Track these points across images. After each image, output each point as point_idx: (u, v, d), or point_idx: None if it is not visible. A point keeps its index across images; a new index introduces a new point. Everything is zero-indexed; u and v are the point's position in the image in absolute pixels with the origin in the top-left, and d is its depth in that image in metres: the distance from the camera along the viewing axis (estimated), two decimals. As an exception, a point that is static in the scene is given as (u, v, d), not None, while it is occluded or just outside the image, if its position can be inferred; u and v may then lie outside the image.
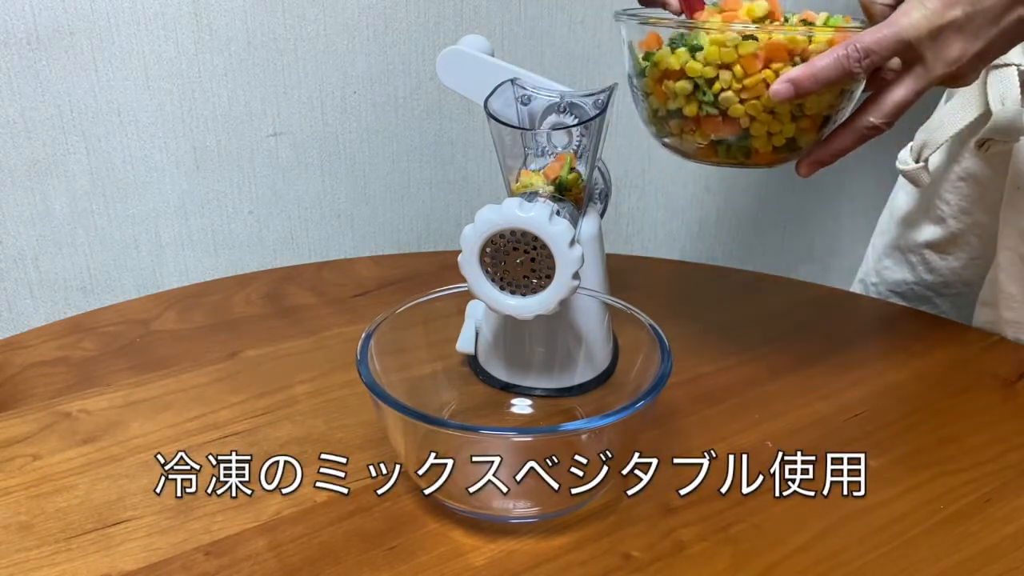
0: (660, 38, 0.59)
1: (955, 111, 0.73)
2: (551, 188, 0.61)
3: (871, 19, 0.58)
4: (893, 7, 0.56)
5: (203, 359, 0.71)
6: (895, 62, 0.56)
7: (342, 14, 0.97)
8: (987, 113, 0.71)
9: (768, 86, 0.56)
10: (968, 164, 0.79)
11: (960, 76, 0.55)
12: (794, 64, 0.56)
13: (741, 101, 0.57)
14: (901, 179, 0.89)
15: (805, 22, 0.60)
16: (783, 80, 0.55)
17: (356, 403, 0.65)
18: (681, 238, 1.31)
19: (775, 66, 0.56)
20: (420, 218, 1.11)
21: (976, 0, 0.53)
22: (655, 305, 0.65)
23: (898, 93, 0.55)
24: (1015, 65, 0.69)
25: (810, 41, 0.56)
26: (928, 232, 0.84)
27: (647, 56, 0.60)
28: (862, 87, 0.60)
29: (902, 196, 0.88)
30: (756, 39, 0.56)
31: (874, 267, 0.91)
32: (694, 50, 0.57)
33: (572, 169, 0.61)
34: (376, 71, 1.01)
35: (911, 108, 0.57)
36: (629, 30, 0.61)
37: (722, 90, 0.57)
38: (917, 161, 0.76)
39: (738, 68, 0.56)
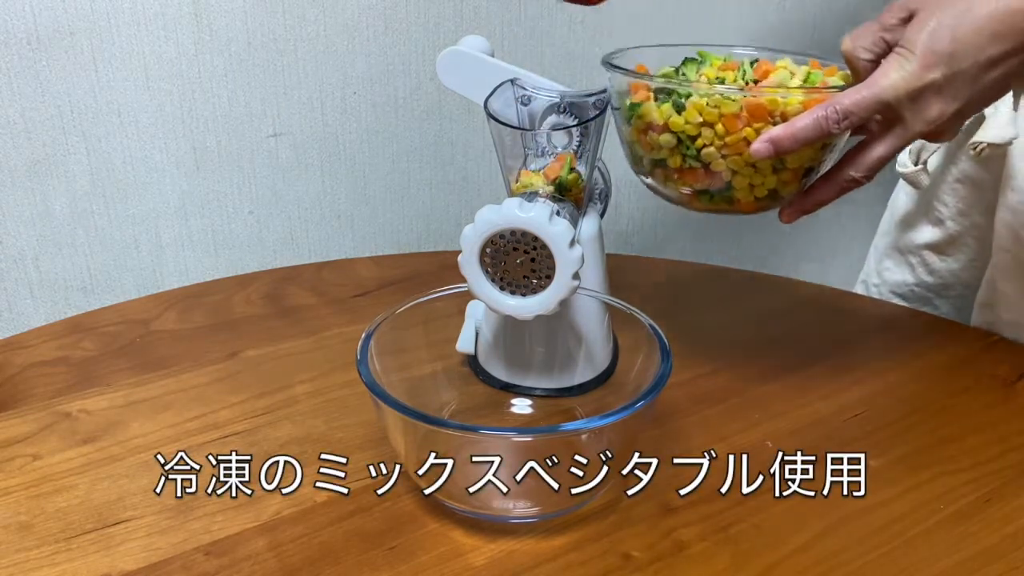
0: (647, 88, 0.60)
1: None
2: (551, 188, 0.61)
3: (854, 73, 0.59)
4: (876, 62, 0.57)
5: (203, 359, 0.71)
6: (876, 116, 0.57)
7: (342, 14, 0.97)
8: (980, 117, 0.71)
9: (748, 143, 0.57)
10: (964, 167, 0.79)
11: (940, 133, 0.56)
12: (774, 123, 0.57)
13: (723, 156, 0.59)
14: (902, 180, 0.89)
15: (781, 84, 0.61)
16: (763, 139, 0.56)
17: (356, 403, 0.65)
18: (681, 238, 1.31)
19: (756, 125, 0.57)
20: (420, 218, 1.11)
21: (954, 62, 0.53)
22: (655, 305, 0.65)
23: (878, 150, 0.57)
24: None
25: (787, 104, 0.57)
26: (927, 234, 0.84)
27: (632, 107, 0.61)
28: (845, 140, 0.61)
29: (902, 197, 0.88)
30: (734, 100, 0.57)
31: (875, 268, 0.91)
32: (678, 105, 0.58)
33: (572, 169, 0.61)
34: (376, 71, 1.01)
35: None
36: (615, 78, 0.62)
37: (704, 146, 0.59)
38: (916, 163, 0.76)
39: (719, 127, 0.58)
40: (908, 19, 0.55)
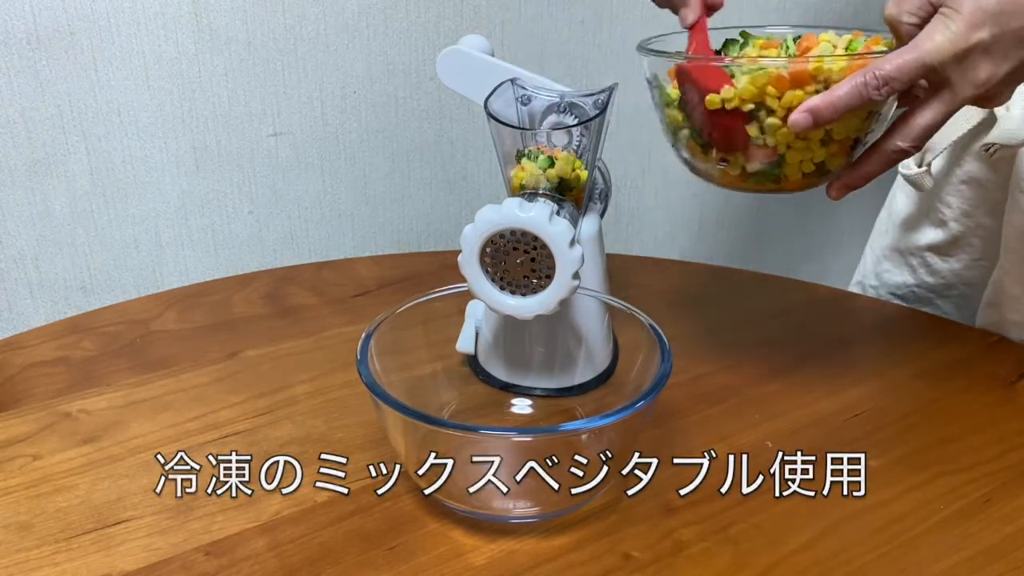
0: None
1: (958, 116, 0.72)
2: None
3: (898, 38, 0.57)
4: (920, 26, 0.54)
5: (203, 359, 0.71)
6: (922, 81, 0.54)
7: (342, 14, 0.97)
8: (990, 118, 0.71)
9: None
10: (970, 167, 0.79)
11: (990, 97, 0.54)
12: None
13: (774, 131, 0.57)
14: (899, 180, 0.89)
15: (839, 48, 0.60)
16: (801, 110, 0.54)
17: (356, 403, 0.65)
18: (681, 238, 1.31)
19: (807, 88, 0.55)
20: (420, 218, 1.11)
21: (1003, 21, 0.51)
22: (655, 305, 0.66)
23: (925, 116, 0.54)
24: None
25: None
26: (930, 235, 0.84)
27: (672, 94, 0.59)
28: (892, 109, 0.59)
29: (901, 198, 0.88)
30: (778, 70, 0.55)
31: (873, 270, 0.91)
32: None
33: (572, 169, 0.61)
34: (376, 71, 1.01)
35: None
36: (653, 62, 0.61)
37: (753, 120, 0.57)
38: (920, 165, 0.76)
39: (770, 99, 0.56)
40: None
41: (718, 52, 0.64)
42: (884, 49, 0.58)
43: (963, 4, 0.51)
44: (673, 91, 0.61)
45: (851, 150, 0.59)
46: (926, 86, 0.55)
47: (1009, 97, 0.56)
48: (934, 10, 0.54)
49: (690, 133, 0.61)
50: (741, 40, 0.64)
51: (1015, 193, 0.73)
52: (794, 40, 0.63)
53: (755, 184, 0.60)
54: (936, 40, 0.52)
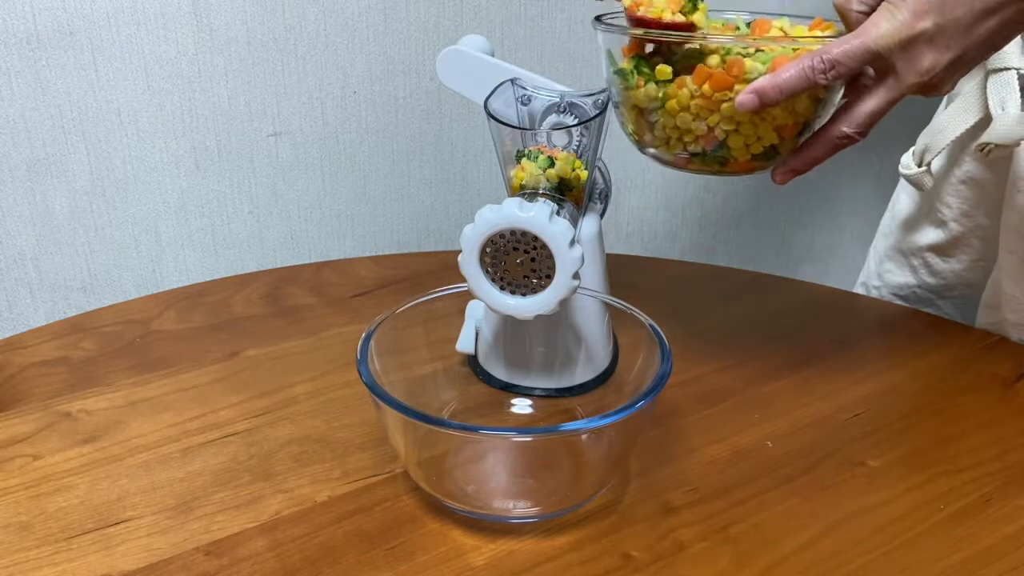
0: (638, 44, 0.59)
1: (956, 115, 0.73)
2: (552, 182, 0.61)
3: (847, 25, 0.58)
4: (869, 14, 0.56)
5: (203, 359, 0.71)
6: (869, 70, 0.55)
7: (342, 14, 0.97)
8: (988, 117, 0.71)
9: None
10: (969, 167, 0.79)
11: (934, 86, 0.55)
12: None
13: (710, 113, 0.57)
14: (902, 181, 0.89)
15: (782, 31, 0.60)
16: (748, 91, 0.55)
17: (356, 403, 0.65)
18: (681, 238, 1.31)
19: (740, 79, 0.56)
20: (420, 218, 1.11)
21: (946, 10, 0.52)
22: (655, 305, 0.66)
23: (870, 103, 0.55)
24: (1015, 69, 0.69)
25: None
26: (930, 235, 0.84)
27: (619, 70, 0.60)
28: (839, 95, 0.60)
29: (903, 199, 0.88)
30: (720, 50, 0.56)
31: (876, 270, 0.91)
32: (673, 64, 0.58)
33: (572, 169, 0.61)
34: (376, 71, 1.01)
35: (919, 110, 0.56)
36: (607, 38, 0.61)
37: (687, 108, 0.58)
38: (919, 165, 0.76)
39: (706, 86, 0.56)
40: None
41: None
42: (827, 35, 0.59)
43: None
44: (625, 65, 0.61)
45: (797, 135, 0.60)
46: (872, 74, 0.56)
47: (953, 87, 0.57)
48: None
49: (638, 109, 0.61)
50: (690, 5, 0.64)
51: (1012, 192, 0.74)
52: (747, 25, 0.64)
53: (701, 165, 0.61)
54: (882, 27, 0.53)
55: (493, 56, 0.68)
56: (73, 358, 0.71)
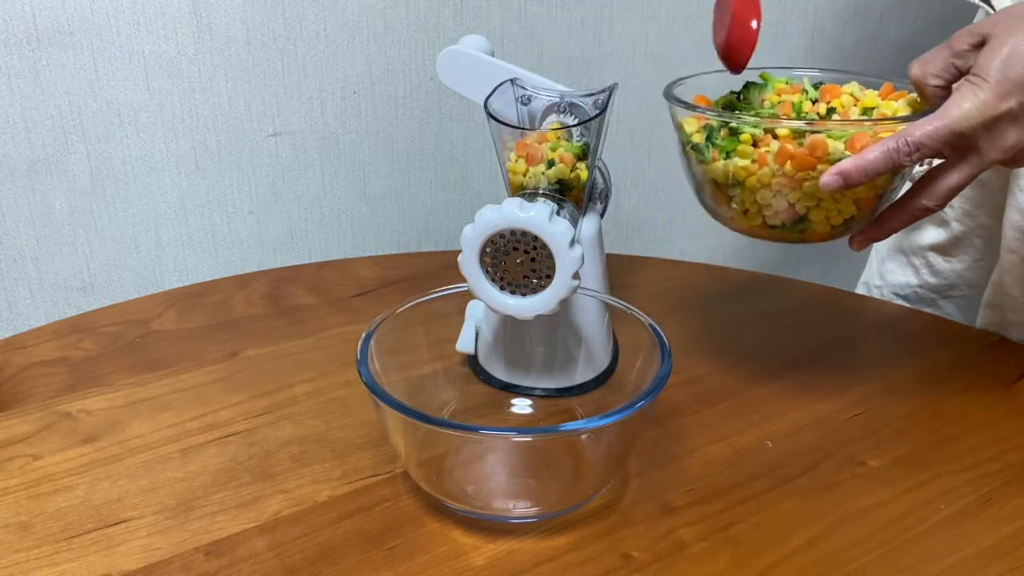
0: (703, 120, 0.60)
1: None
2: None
3: (923, 99, 0.58)
4: (945, 87, 0.56)
5: (203, 359, 0.71)
6: (947, 148, 0.55)
7: (342, 14, 0.97)
8: None
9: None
10: None
11: (1017, 160, 0.55)
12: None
13: (791, 191, 0.58)
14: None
15: (865, 108, 0.60)
16: (833, 172, 0.55)
17: (356, 403, 0.65)
18: (681, 238, 1.31)
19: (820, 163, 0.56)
20: (420, 218, 1.11)
21: None
22: (655, 305, 0.66)
23: (952, 178, 0.55)
24: None
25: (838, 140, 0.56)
26: (932, 235, 0.84)
27: (692, 146, 0.60)
28: (916, 167, 0.60)
29: None
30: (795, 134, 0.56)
31: (877, 270, 0.91)
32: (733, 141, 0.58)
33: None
34: (376, 71, 1.01)
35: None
36: (673, 109, 0.61)
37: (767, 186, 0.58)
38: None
39: (788, 166, 0.57)
40: (980, 45, 0.54)
41: (737, 95, 0.65)
42: (905, 114, 0.59)
43: (990, 73, 0.52)
44: (697, 138, 0.61)
45: (875, 207, 0.60)
46: (950, 152, 0.55)
47: None
48: (958, 72, 0.55)
49: (715, 182, 0.61)
50: (761, 83, 0.64)
51: (1015, 192, 0.74)
52: (815, 87, 0.64)
53: (780, 235, 0.61)
54: (964, 108, 0.53)
55: (493, 56, 0.68)
56: (73, 358, 0.71)
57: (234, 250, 1.02)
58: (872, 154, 0.54)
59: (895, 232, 0.59)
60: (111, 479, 0.57)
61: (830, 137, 0.56)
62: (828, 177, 0.55)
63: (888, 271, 0.89)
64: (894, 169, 0.55)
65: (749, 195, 0.59)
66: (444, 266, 0.88)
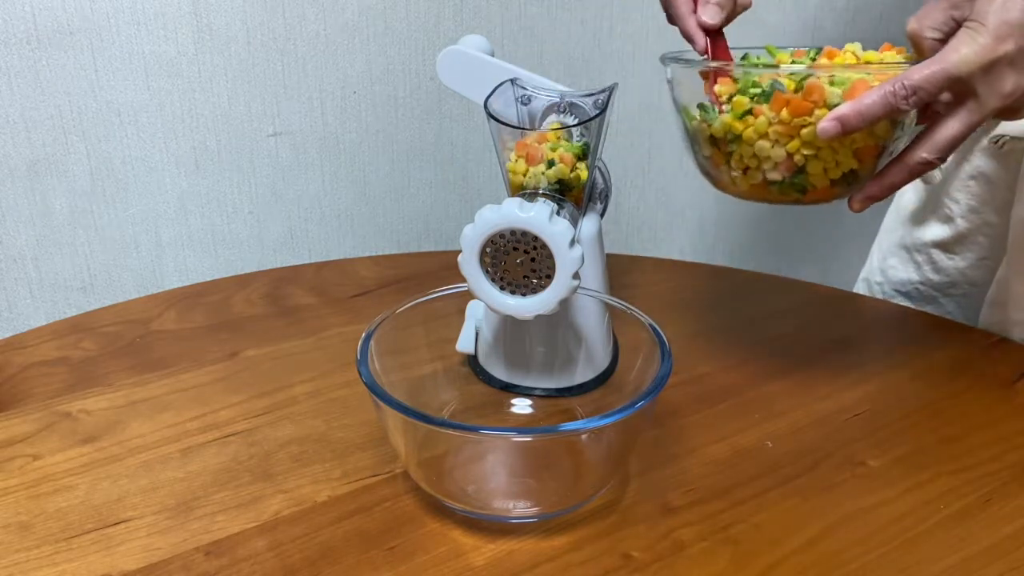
0: (731, 79, 0.60)
1: None
2: (552, 182, 0.61)
3: (920, 53, 0.57)
4: (943, 41, 0.55)
5: (203, 359, 0.71)
6: (945, 95, 0.55)
7: (342, 14, 0.97)
8: None
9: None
10: (979, 163, 0.78)
11: (1016, 109, 0.55)
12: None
13: (789, 139, 0.58)
14: None
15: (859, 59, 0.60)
16: (830, 118, 0.55)
17: (356, 403, 0.65)
18: (681, 238, 1.31)
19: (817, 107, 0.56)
20: (420, 218, 1.11)
21: None
22: (655, 305, 0.66)
23: (951, 128, 0.55)
24: None
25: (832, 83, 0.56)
26: (936, 231, 0.84)
27: (702, 107, 0.60)
28: (914, 119, 0.59)
29: (909, 194, 0.88)
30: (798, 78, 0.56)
31: (879, 266, 0.91)
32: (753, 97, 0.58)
33: (572, 169, 0.61)
34: (376, 71, 1.01)
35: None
36: (677, 70, 0.62)
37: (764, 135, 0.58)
38: None
39: (784, 112, 0.57)
40: None
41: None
42: (902, 60, 0.59)
43: (988, 17, 0.52)
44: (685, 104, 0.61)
45: (875, 160, 0.59)
46: (950, 97, 0.55)
47: None
48: (956, 25, 0.55)
49: (714, 141, 0.61)
50: (763, 52, 0.64)
51: (1023, 187, 0.73)
52: (817, 52, 0.64)
53: (780, 195, 0.61)
54: (963, 52, 0.52)
55: (493, 56, 0.68)
56: (73, 358, 0.71)
57: (234, 250, 1.02)
58: (869, 99, 0.54)
59: (896, 189, 0.59)
60: (111, 479, 0.57)
61: (830, 84, 0.56)
62: (825, 123, 0.55)
63: (890, 267, 0.89)
64: (891, 114, 0.54)
65: (747, 149, 0.59)
66: (444, 266, 0.88)
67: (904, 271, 0.88)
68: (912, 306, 0.87)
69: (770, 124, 0.57)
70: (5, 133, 0.87)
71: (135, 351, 0.72)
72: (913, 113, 0.59)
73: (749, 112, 0.58)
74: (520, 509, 0.54)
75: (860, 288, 0.94)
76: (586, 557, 0.51)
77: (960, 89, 0.54)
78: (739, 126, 0.58)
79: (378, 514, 0.54)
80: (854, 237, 1.43)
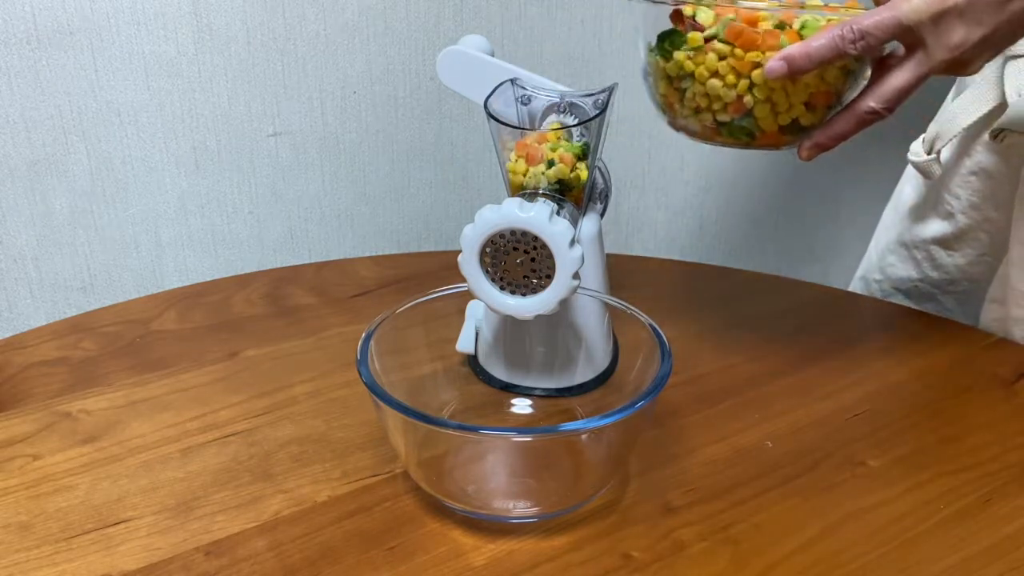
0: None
1: (969, 103, 0.72)
2: (552, 182, 0.61)
3: (877, 4, 0.58)
4: None
5: (203, 359, 0.71)
6: (900, 47, 0.56)
7: (342, 14, 0.97)
8: (1002, 105, 0.70)
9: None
10: (980, 158, 0.78)
11: (964, 63, 0.55)
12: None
13: (738, 80, 0.58)
14: (907, 173, 0.89)
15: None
16: (778, 58, 0.55)
17: (356, 403, 0.65)
18: (681, 238, 1.31)
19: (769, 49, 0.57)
20: (420, 218, 1.11)
21: None
22: (655, 305, 0.66)
23: (899, 78, 0.56)
24: None
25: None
26: (935, 227, 0.84)
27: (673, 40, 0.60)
28: (867, 71, 0.60)
29: (908, 190, 0.87)
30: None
31: (877, 264, 0.90)
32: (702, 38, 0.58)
33: (572, 169, 0.61)
34: (376, 71, 1.01)
35: (922, 98, 0.56)
36: (641, 8, 0.62)
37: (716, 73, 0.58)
38: (929, 153, 0.75)
39: (737, 50, 0.57)
40: None
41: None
42: (858, 8, 0.59)
43: None
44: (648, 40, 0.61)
45: (826, 109, 0.60)
46: (901, 53, 0.56)
47: (982, 66, 0.57)
48: None
49: (669, 79, 0.61)
50: None
51: None
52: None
53: (729, 137, 0.61)
54: (914, 2, 0.53)
55: (493, 56, 0.68)
56: (73, 358, 0.71)
57: (234, 250, 1.02)
58: (817, 41, 0.54)
59: (843, 139, 0.59)
60: (111, 479, 0.57)
61: (801, 29, 0.56)
62: (773, 63, 0.55)
63: (888, 265, 0.89)
64: (839, 56, 0.55)
65: (699, 87, 0.59)
66: (444, 266, 0.88)
67: (903, 268, 0.87)
68: (911, 304, 0.86)
69: (721, 58, 0.57)
70: (5, 133, 0.87)
71: (135, 351, 0.72)
72: (868, 68, 0.59)
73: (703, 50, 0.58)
74: (520, 509, 0.54)
75: (857, 286, 0.93)
76: (586, 557, 0.51)
77: (909, 39, 0.54)
78: (691, 64, 0.58)
79: (378, 514, 0.54)
80: (854, 237, 1.43)
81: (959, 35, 0.54)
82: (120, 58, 0.89)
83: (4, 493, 0.56)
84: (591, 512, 0.55)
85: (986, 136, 0.77)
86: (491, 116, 0.61)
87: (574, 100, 0.64)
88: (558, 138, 0.62)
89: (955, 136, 0.73)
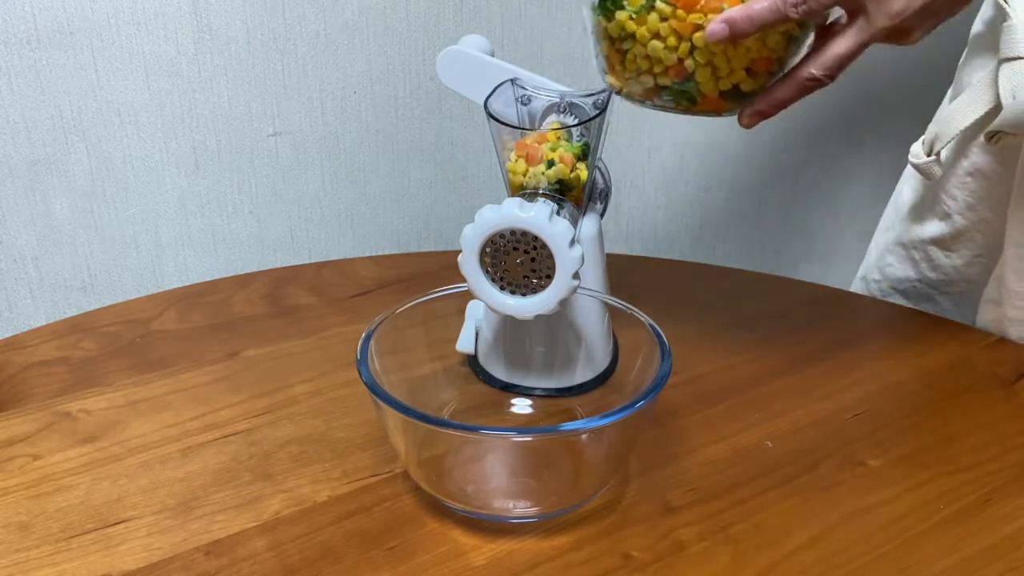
0: None
1: (966, 105, 0.72)
2: (552, 182, 0.61)
3: None
4: None
5: (203, 359, 0.71)
6: (843, 17, 0.56)
7: (342, 14, 0.97)
8: (998, 107, 0.70)
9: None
10: (976, 159, 0.78)
11: (905, 31, 0.55)
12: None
13: (679, 43, 0.57)
14: (906, 173, 0.89)
15: None
16: (719, 20, 0.55)
17: (356, 403, 0.65)
18: (681, 238, 1.31)
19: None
20: (420, 218, 1.11)
21: None
22: (655, 305, 0.66)
23: (840, 45, 0.56)
24: None
25: None
26: (933, 228, 0.84)
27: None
28: (810, 38, 0.59)
29: (907, 191, 0.87)
30: None
31: (876, 264, 0.91)
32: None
33: (572, 169, 0.61)
34: (376, 71, 1.01)
35: (922, 100, 0.56)
36: None
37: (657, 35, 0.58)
38: (929, 154, 0.75)
39: (679, 10, 0.56)
40: None
41: None
42: None
43: None
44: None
45: (767, 75, 0.60)
46: (844, 20, 0.56)
47: (922, 36, 0.57)
48: None
49: (611, 40, 0.61)
50: None
51: (1021, 184, 0.73)
52: None
53: (671, 102, 0.61)
54: None
55: (493, 56, 0.68)
56: (73, 358, 0.71)
57: (234, 250, 1.02)
58: (760, 4, 0.54)
59: (784, 106, 0.59)
60: (111, 479, 0.57)
61: None
62: (715, 25, 0.55)
63: (887, 265, 0.89)
64: (781, 20, 0.54)
65: (640, 49, 0.59)
66: (444, 266, 0.88)
67: (901, 269, 0.88)
68: (910, 304, 0.87)
69: (662, 20, 0.57)
70: (5, 133, 0.87)
71: (135, 351, 0.72)
72: (811, 35, 0.59)
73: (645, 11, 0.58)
74: (520, 509, 0.54)
75: (858, 286, 0.94)
76: (586, 557, 0.51)
77: (851, 5, 0.55)
78: (632, 24, 0.58)
79: (378, 514, 0.54)
80: (854, 237, 1.43)
81: (900, 2, 0.54)
82: (120, 58, 0.89)
83: (4, 493, 0.56)
84: (591, 512, 0.55)
85: (981, 137, 0.77)
86: (491, 116, 0.61)
87: (574, 100, 0.64)
88: (558, 138, 0.62)
89: (953, 138, 0.73)
